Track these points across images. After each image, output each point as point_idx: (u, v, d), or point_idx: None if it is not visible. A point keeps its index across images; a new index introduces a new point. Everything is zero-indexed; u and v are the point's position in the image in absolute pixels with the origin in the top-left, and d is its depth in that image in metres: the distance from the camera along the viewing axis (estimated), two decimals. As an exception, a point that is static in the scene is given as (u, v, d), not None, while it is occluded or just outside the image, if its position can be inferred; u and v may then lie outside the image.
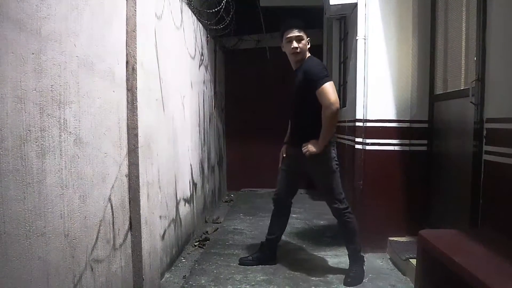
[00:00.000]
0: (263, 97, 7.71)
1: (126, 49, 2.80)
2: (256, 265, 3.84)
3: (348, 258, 3.63)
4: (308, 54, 3.61)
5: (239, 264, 3.88)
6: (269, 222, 3.96)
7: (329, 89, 3.34)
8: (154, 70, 3.35)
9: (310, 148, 3.42)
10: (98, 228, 2.40)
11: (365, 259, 3.66)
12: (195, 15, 5.04)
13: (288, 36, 3.52)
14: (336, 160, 3.53)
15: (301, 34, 3.51)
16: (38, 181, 1.83)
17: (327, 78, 3.38)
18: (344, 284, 3.43)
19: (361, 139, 4.25)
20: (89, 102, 2.29)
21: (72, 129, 2.11)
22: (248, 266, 3.83)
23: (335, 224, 5.30)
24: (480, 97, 2.93)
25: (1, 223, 1.59)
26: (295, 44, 3.50)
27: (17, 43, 1.69)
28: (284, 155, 3.81)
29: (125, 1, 2.79)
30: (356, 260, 3.57)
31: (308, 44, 3.58)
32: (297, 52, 3.52)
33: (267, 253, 3.91)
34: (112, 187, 2.59)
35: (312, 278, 3.55)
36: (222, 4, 5.08)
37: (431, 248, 2.45)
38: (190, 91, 4.86)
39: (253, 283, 3.45)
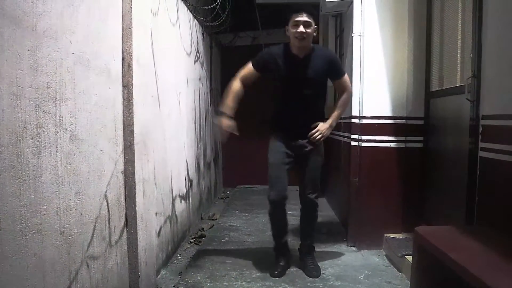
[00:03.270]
0: (258, 93, 7.68)
1: (122, 45, 2.79)
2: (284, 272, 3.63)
3: (303, 251, 3.76)
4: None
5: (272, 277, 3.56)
6: (277, 227, 3.76)
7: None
8: (150, 67, 3.34)
9: (325, 132, 3.51)
10: (94, 225, 2.40)
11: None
12: (191, 12, 5.03)
13: (296, 19, 3.35)
14: None
15: (310, 20, 3.38)
16: (34, 178, 1.82)
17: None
18: (316, 276, 3.51)
19: (357, 135, 4.26)
20: (85, 98, 2.29)
21: (68, 125, 2.10)
22: (280, 277, 3.53)
23: (330, 221, 5.34)
24: (476, 93, 2.93)
25: (-3, 220, 1.59)
26: (301, 28, 3.34)
27: (13, 40, 1.68)
28: (282, 149, 3.55)
29: (121, -3, 2.78)
30: (312, 251, 3.77)
31: (314, 33, 3.46)
32: (303, 37, 3.37)
33: (288, 254, 3.79)
34: (108, 184, 2.58)
35: (308, 275, 3.56)
36: (218, 0, 5.07)
37: (427, 244, 2.45)
38: (186, 87, 4.85)
39: (248, 280, 3.46)
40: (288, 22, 3.45)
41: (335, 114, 3.59)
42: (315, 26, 3.46)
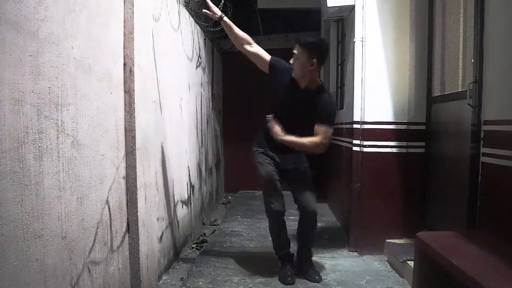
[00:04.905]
0: (260, 99, 7.69)
1: (124, 51, 2.80)
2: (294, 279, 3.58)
3: (303, 259, 3.73)
4: (318, 80, 3.52)
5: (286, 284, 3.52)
6: (278, 239, 3.77)
7: (330, 133, 3.42)
8: (152, 72, 3.34)
9: (279, 134, 3.40)
10: (96, 230, 2.40)
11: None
12: (193, 17, 5.04)
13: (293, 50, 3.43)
14: None
15: (298, 53, 3.36)
16: (36, 183, 1.82)
17: (334, 125, 3.49)
18: (318, 281, 3.51)
19: (359, 141, 4.25)
20: (87, 104, 2.29)
21: (69, 131, 2.10)
22: (290, 284, 3.49)
23: (332, 226, 5.33)
24: (478, 99, 2.93)
25: (-2, 226, 1.59)
26: (291, 60, 3.42)
27: (15, 45, 1.69)
28: (271, 162, 3.56)
29: (123, 3, 2.79)
30: (311, 257, 3.77)
31: (311, 65, 3.34)
32: (292, 68, 3.43)
33: (293, 261, 3.77)
34: (110, 189, 2.58)
35: (310, 281, 3.55)
36: (220, 6, 5.07)
37: (428, 250, 2.45)
38: (187, 93, 4.86)
39: (250, 285, 3.45)
40: None
41: (293, 138, 3.38)
42: (313, 60, 3.33)
